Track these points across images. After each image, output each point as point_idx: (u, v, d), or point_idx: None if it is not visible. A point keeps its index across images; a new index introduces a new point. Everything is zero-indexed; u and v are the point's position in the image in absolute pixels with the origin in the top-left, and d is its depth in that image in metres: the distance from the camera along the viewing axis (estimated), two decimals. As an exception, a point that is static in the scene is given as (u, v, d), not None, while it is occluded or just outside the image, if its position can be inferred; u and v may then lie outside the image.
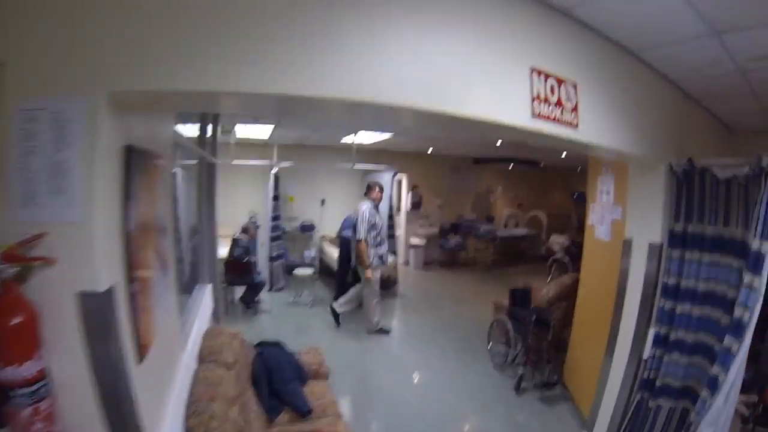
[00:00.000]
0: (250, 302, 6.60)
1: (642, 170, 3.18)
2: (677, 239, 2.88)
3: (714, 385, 2.42)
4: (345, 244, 6.99)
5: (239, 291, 6.71)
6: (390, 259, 7.82)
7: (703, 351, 2.75)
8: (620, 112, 2.64)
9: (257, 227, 8.36)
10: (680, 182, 2.87)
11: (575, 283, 4.73)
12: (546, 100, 2.16)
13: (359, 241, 5.63)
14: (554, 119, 2.20)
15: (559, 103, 2.23)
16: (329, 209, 9.41)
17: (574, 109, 2.31)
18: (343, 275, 7.05)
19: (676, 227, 2.89)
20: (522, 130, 2.12)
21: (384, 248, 6.05)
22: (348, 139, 7.59)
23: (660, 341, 2.93)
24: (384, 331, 6.02)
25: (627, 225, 3.35)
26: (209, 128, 4.29)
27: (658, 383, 2.92)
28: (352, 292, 6.06)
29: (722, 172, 2.65)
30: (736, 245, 2.58)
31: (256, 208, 8.48)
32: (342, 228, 7.21)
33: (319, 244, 9.29)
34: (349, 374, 4.79)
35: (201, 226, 3.89)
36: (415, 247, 10.42)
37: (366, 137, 7.43)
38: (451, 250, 10.79)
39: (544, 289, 5.20)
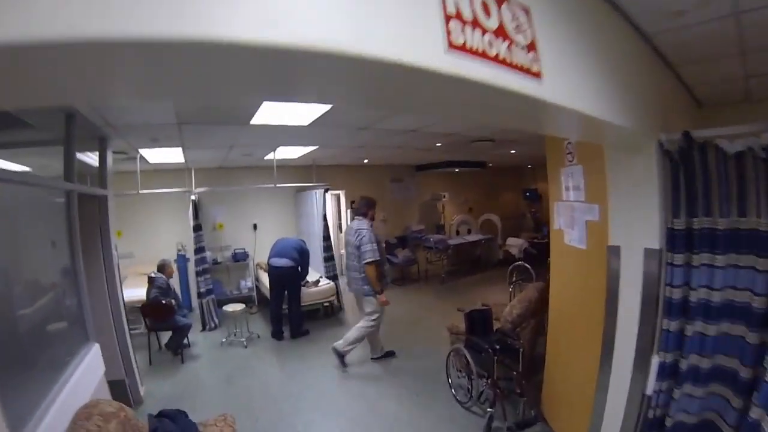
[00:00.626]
0: (176, 348, 6.15)
1: (624, 153, 2.65)
2: (679, 240, 2.35)
3: (745, 423, 2.07)
4: (277, 273, 6.63)
5: (167, 336, 6.27)
6: (326, 283, 7.51)
7: (724, 377, 2.28)
8: (594, 66, 1.92)
9: (186, 259, 7.99)
10: (675, 165, 2.36)
11: (543, 295, 4.36)
12: (475, 23, 1.32)
13: (369, 263, 5.24)
14: (496, 58, 1.37)
15: (501, 32, 1.40)
16: (263, 234, 9.10)
17: (531, 46, 1.52)
18: (277, 308, 6.71)
19: (677, 224, 2.36)
20: (434, 74, 1.20)
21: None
22: (271, 156, 7.24)
23: (667, 372, 2.42)
24: (390, 354, 5.85)
25: (610, 228, 2.81)
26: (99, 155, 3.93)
27: (668, 423, 2.42)
28: (354, 332, 5.57)
29: (731, 145, 2.16)
30: (759, 239, 2.10)
31: (185, 240, 8.13)
32: (272, 254, 6.89)
33: (256, 272, 8.95)
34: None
35: (76, 272, 3.36)
36: (361, 266, 10.07)
37: (290, 152, 7.10)
38: (400, 266, 10.50)
39: (507, 308, 4.64)
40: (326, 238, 8.15)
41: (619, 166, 2.72)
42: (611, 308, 2.77)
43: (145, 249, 8.08)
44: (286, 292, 6.77)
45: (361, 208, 5.63)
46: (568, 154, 3.39)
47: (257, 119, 4.15)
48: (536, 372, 4.35)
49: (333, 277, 8.03)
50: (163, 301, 5.94)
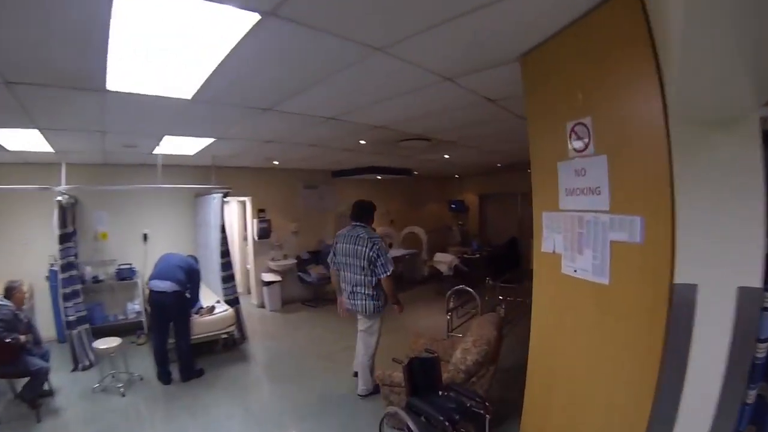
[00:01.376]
0: (32, 400, 4.94)
1: (705, 135, 1.86)
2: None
3: None
4: (159, 300, 5.65)
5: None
6: (223, 310, 6.52)
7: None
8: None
9: (51, 277, 6.71)
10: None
11: (500, 333, 3.68)
12: None
13: (388, 276, 4.87)
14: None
15: None
16: (155, 246, 7.99)
17: None
18: (161, 343, 5.69)
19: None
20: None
21: None
22: (163, 151, 6.22)
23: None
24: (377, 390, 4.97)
25: (678, 254, 1.97)
26: None
27: None
28: (364, 364, 5.10)
29: None
30: None
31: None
32: (153, 275, 5.86)
33: (145, 293, 7.70)
34: None
35: None
36: (268, 284, 9.29)
37: (183, 146, 6.16)
38: (314, 285, 9.68)
39: (458, 352, 3.93)
40: (225, 253, 7.09)
41: (698, 156, 1.89)
42: (672, 377, 1.99)
43: (6, 262, 6.87)
44: (172, 323, 5.78)
45: (363, 213, 5.19)
46: (576, 140, 2.47)
47: (117, 83, 3.27)
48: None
49: (233, 301, 7.03)
50: (7, 339, 4.74)
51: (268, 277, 9.38)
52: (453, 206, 14.17)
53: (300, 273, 9.79)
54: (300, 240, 10.29)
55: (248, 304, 9.68)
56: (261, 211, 9.58)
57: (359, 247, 4.88)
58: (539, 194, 2.86)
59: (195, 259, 6.40)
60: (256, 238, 9.46)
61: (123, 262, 7.86)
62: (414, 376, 3.60)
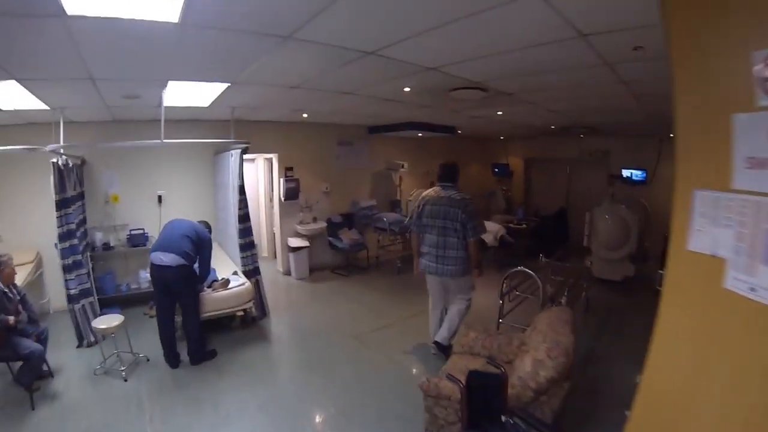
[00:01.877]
0: (28, 384, 4.42)
1: None
2: None
3: None
4: (160, 276, 5.01)
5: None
6: (240, 283, 5.81)
7: None
8: None
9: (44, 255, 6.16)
10: None
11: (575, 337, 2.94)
12: None
13: (476, 240, 4.89)
14: None
15: None
16: (171, 209, 7.40)
17: None
18: (167, 323, 5.03)
19: None
20: None
21: None
22: (172, 102, 5.41)
23: None
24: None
25: None
26: None
27: None
28: (455, 319, 5.07)
29: None
30: None
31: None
32: (154, 247, 5.17)
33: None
34: None
35: None
36: (295, 250, 8.61)
37: (195, 95, 5.34)
38: (345, 251, 8.95)
39: (528, 365, 3.17)
40: (243, 217, 6.40)
41: None
42: None
43: (16, 231, 6.43)
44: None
45: (453, 174, 5.10)
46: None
47: (77, 4, 2.44)
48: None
49: (253, 272, 6.33)
50: (-3, 320, 4.14)
51: (294, 242, 8.68)
52: (497, 170, 13.17)
53: (330, 238, 9.06)
54: (331, 201, 9.53)
55: (273, 271, 9.14)
56: (288, 169, 8.80)
57: (452, 209, 4.82)
58: (689, 163, 1.86)
59: (207, 225, 5.63)
60: (282, 199, 8.71)
61: (135, 227, 7.23)
62: (473, 394, 2.84)
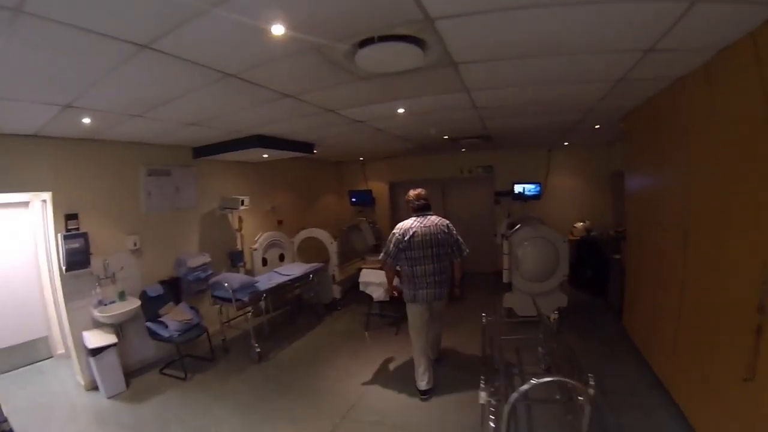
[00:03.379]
0: None
1: None
2: None
3: None
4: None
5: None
6: None
7: None
8: None
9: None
10: None
11: None
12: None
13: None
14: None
15: None
16: None
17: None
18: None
19: None
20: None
21: None
22: None
23: None
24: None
25: None
26: None
27: None
28: (438, 335, 5.87)
29: None
30: None
31: None
32: None
33: None
34: None
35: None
36: (97, 352, 5.24)
37: None
38: (173, 341, 5.82)
39: None
40: None
41: None
42: None
43: None
44: None
45: (428, 202, 5.28)
46: None
47: None
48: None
49: None
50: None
51: (94, 339, 5.37)
52: (354, 199, 10.97)
53: (149, 323, 5.88)
54: (144, 264, 6.31)
55: (71, 386, 5.65)
56: (70, 218, 5.50)
57: (442, 235, 5.05)
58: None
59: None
60: (64, 268, 5.37)
61: None
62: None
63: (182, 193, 6.90)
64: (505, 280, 6.84)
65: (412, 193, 5.26)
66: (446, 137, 7.68)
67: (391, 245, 5.02)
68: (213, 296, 6.52)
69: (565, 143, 9.09)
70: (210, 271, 6.89)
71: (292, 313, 8.28)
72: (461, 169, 10.37)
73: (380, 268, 7.24)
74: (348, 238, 9.54)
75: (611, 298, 7.42)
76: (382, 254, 5.12)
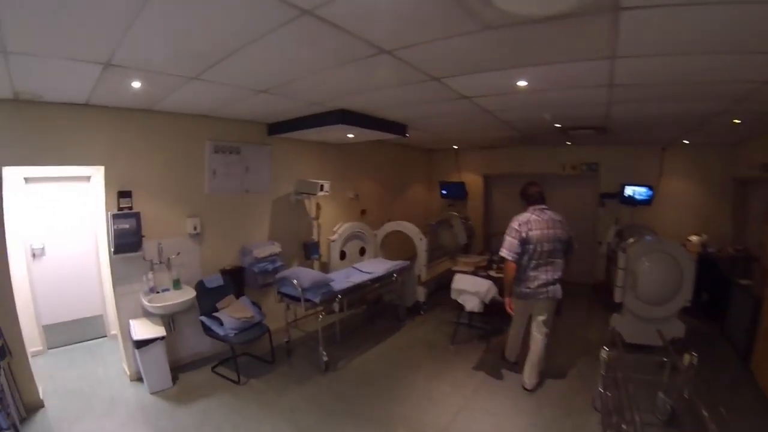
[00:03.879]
0: None
1: None
2: None
3: None
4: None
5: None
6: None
7: None
8: None
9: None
10: None
11: None
12: None
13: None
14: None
15: None
16: None
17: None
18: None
19: None
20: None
21: None
22: None
23: None
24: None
25: None
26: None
27: None
28: (541, 349, 5.09)
29: None
30: None
31: None
32: None
33: None
34: None
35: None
36: (143, 344, 4.79)
37: None
38: (229, 340, 5.22)
39: None
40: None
41: None
42: None
43: None
44: None
45: (543, 195, 5.13)
46: None
47: None
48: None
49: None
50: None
51: (141, 329, 4.90)
52: (445, 191, 10.10)
53: (203, 318, 5.35)
54: (205, 250, 5.80)
55: (115, 375, 5.30)
56: (123, 195, 5.01)
57: (558, 231, 4.94)
58: None
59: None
60: (112, 251, 4.90)
61: None
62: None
63: (253, 174, 6.30)
64: (617, 299, 5.71)
65: (529, 185, 5.17)
66: (558, 125, 6.59)
67: (514, 239, 4.85)
68: (279, 292, 5.84)
69: (685, 141, 7.70)
70: (279, 263, 6.27)
71: (369, 315, 7.54)
72: (563, 165, 9.29)
73: (474, 273, 6.43)
74: (436, 234, 8.66)
75: (731, 330, 6.12)
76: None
